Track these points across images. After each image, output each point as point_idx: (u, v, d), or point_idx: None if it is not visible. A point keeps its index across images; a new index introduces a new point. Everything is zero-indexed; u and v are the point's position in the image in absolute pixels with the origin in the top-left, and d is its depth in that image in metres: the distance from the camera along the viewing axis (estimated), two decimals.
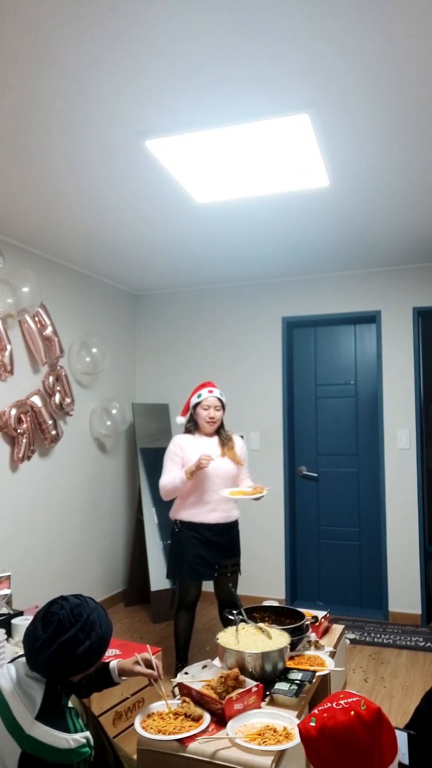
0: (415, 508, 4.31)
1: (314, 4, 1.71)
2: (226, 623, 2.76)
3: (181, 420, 3.42)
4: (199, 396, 3.31)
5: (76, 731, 1.52)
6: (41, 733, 1.48)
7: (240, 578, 4.57)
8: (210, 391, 3.31)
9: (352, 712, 1.46)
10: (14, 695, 1.56)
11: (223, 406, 3.34)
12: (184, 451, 3.27)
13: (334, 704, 1.51)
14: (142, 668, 1.94)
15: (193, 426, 3.36)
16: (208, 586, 3.80)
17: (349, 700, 1.52)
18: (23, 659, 1.68)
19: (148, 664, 1.95)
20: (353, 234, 3.71)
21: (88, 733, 1.55)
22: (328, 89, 2.13)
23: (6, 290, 3.46)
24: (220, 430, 3.37)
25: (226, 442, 3.35)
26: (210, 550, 3.23)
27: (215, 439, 3.35)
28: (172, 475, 3.22)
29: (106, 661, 1.99)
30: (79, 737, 1.51)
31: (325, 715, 1.49)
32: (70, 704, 1.60)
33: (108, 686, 1.96)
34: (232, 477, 3.30)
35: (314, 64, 1.98)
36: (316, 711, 1.53)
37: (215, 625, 4.20)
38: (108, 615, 1.75)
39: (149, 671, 1.94)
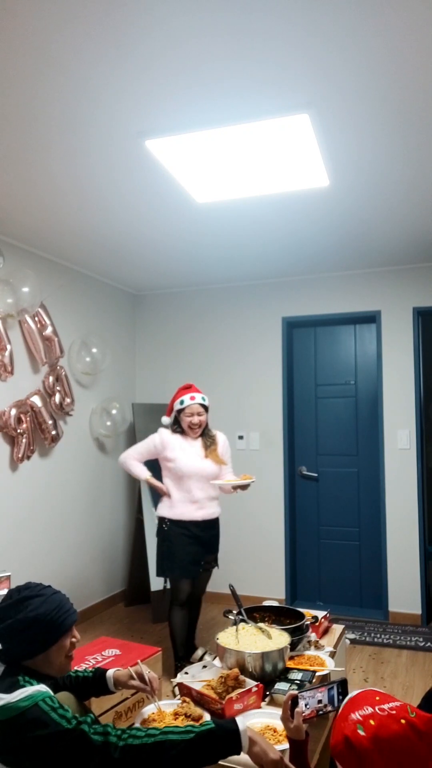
0: (415, 508, 4.31)
1: (314, 5, 1.71)
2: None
3: (166, 420, 3.49)
4: (182, 403, 3.34)
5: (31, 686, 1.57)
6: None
7: (240, 578, 4.59)
8: (192, 398, 3.33)
9: (403, 720, 1.27)
10: None
11: (206, 409, 3.39)
12: (165, 449, 3.33)
13: (376, 709, 1.30)
14: (136, 683, 1.94)
15: (179, 429, 3.40)
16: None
17: (392, 704, 1.32)
18: None
19: (142, 678, 1.95)
20: (353, 234, 3.71)
21: (43, 685, 1.59)
22: (328, 89, 2.13)
23: (6, 290, 3.46)
24: (204, 432, 3.43)
25: (209, 444, 3.40)
26: (199, 546, 3.30)
27: (199, 440, 3.41)
28: (137, 465, 3.40)
29: (105, 667, 1.99)
30: (33, 689, 1.54)
31: (372, 722, 1.28)
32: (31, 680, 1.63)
33: (104, 694, 1.97)
34: (214, 477, 3.37)
35: (314, 64, 1.98)
36: (357, 716, 1.30)
37: (215, 625, 4.21)
38: (64, 605, 1.72)
39: (143, 686, 1.94)
